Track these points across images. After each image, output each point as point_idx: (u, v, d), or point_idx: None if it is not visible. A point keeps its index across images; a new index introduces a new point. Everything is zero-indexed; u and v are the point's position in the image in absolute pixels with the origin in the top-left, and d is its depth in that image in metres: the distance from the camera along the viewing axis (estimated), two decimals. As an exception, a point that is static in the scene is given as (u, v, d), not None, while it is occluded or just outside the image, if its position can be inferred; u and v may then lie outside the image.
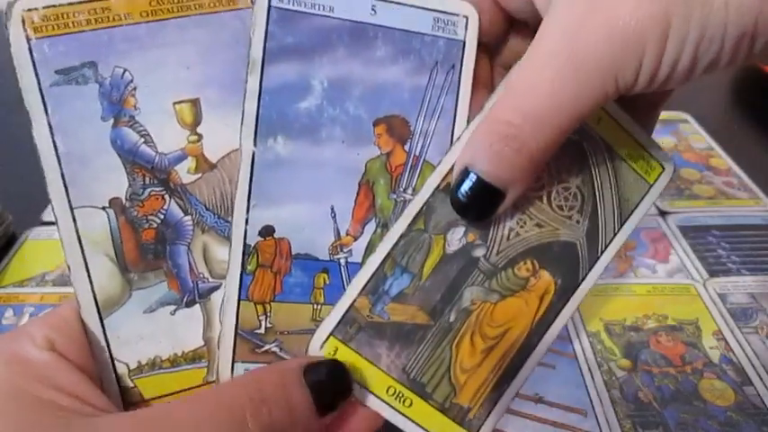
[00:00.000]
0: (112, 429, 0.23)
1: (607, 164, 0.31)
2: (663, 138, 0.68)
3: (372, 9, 0.29)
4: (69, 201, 0.28)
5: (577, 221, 0.30)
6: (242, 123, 0.29)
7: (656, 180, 0.32)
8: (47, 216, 0.57)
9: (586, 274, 0.30)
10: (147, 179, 0.29)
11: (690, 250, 0.55)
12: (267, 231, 0.29)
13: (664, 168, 0.32)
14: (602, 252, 0.31)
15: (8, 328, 0.46)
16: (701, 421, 0.41)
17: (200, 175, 0.29)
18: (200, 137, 0.29)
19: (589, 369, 0.45)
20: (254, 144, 0.29)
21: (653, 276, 0.52)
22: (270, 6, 0.29)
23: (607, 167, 0.31)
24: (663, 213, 0.60)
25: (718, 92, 0.78)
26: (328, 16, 0.29)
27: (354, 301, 0.28)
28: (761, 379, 0.44)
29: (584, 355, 0.46)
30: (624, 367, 0.45)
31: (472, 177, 0.27)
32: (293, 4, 0.29)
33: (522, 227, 0.30)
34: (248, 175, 0.29)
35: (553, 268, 0.30)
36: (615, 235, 0.31)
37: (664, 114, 0.70)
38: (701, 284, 0.52)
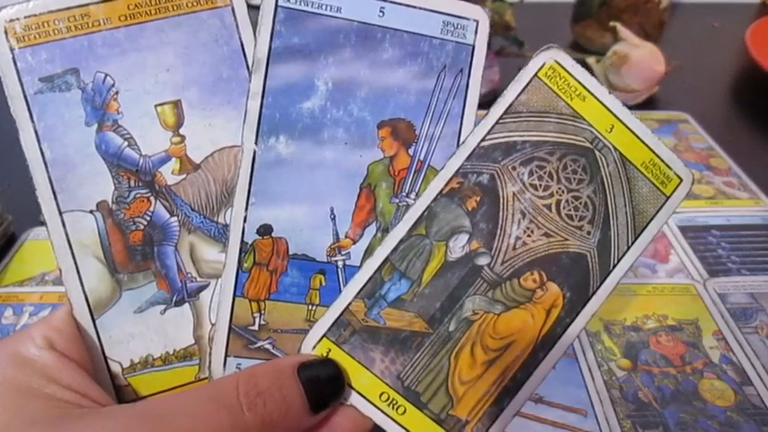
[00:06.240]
0: (110, 420, 0.24)
1: (620, 174, 0.29)
2: (663, 138, 0.67)
3: (381, 11, 0.29)
4: (58, 205, 0.28)
5: (588, 232, 0.29)
6: (244, 122, 0.29)
7: (673, 192, 0.30)
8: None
9: (597, 288, 0.29)
10: (133, 182, 0.29)
11: (690, 250, 0.54)
12: (265, 230, 0.29)
13: (681, 180, 0.31)
14: (614, 265, 0.29)
15: (8, 328, 0.47)
16: (700, 421, 0.41)
17: (184, 176, 0.30)
18: (182, 138, 0.29)
19: (589, 369, 0.44)
20: (256, 143, 0.29)
21: (653, 276, 0.52)
22: (277, 5, 0.29)
23: (620, 177, 0.30)
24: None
25: (719, 92, 0.77)
26: (335, 17, 0.29)
27: (350, 303, 0.28)
28: (761, 379, 0.43)
29: (584, 354, 0.45)
30: (624, 367, 0.44)
31: None
32: (300, 4, 0.29)
33: (529, 236, 0.29)
34: (248, 173, 0.29)
35: (561, 280, 0.29)
36: (629, 248, 0.30)
37: (664, 114, 0.72)
38: (701, 284, 0.51)
